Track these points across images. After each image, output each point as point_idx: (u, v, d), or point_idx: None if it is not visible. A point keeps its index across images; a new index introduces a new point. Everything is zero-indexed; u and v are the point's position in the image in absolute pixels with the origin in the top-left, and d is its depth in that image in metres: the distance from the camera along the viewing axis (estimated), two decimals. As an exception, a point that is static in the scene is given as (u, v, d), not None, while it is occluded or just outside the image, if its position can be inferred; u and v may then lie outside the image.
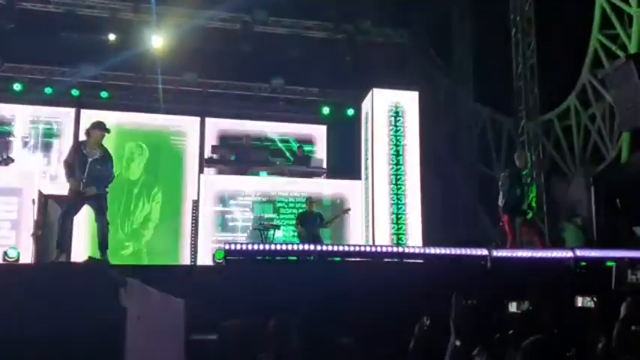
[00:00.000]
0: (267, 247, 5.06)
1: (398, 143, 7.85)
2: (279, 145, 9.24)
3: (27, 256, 5.83)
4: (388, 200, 7.65)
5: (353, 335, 3.91)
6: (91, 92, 8.87)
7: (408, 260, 5.08)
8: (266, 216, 8.11)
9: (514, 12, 9.33)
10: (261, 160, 8.68)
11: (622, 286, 4.27)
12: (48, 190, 6.69)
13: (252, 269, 4.61)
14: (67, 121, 8.63)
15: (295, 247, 5.28)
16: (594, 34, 8.44)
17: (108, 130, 4.86)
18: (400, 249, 5.60)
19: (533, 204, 5.61)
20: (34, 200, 6.20)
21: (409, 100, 7.99)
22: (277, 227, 7.06)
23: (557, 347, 2.56)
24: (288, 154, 9.20)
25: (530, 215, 5.60)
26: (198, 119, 8.95)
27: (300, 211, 7.34)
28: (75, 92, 8.80)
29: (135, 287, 1.78)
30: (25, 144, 8.55)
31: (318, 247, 4.95)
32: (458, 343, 2.44)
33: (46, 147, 8.61)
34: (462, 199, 9.50)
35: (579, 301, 3.81)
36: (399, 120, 7.93)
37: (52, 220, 5.83)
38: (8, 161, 6.95)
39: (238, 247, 4.84)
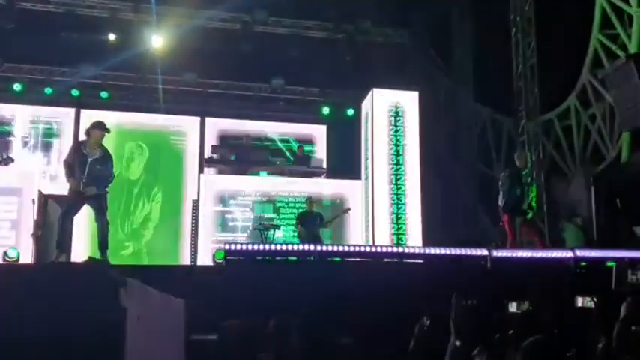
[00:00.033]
0: (267, 247, 5.06)
1: (398, 143, 7.85)
2: (279, 145, 9.24)
3: (27, 256, 5.83)
4: (388, 200, 7.65)
5: (353, 335, 3.91)
6: (91, 92, 8.87)
7: (408, 260, 5.08)
8: (266, 216, 8.11)
9: (514, 12, 9.33)
10: (261, 160, 8.67)
11: (622, 286, 4.27)
12: (48, 190, 6.69)
13: (252, 269, 4.61)
14: (67, 121, 8.63)
15: (295, 247, 5.28)
16: (594, 34, 8.44)
17: (108, 130, 4.86)
18: (400, 249, 5.60)
19: (533, 204, 5.60)
20: (33, 200, 6.20)
21: (409, 100, 7.99)
22: (277, 227, 7.06)
23: (557, 347, 2.56)
24: (288, 154, 9.20)
25: (530, 215, 5.60)
26: (198, 119, 8.95)
27: (300, 211, 7.34)
28: (75, 92, 8.79)
29: (135, 287, 1.78)
30: (25, 144, 8.55)
31: (318, 247, 4.95)
32: (458, 343, 2.44)
33: (46, 147, 8.60)
34: (462, 199, 9.50)
35: (579, 301, 3.81)
36: (399, 120, 7.93)
37: (52, 220, 5.83)
38: (8, 161, 6.95)
39: (238, 247, 4.84)
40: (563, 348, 2.60)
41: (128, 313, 1.60)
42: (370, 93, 8.10)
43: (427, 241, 7.35)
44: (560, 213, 8.34)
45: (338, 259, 4.88)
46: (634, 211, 6.54)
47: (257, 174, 8.56)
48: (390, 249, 5.64)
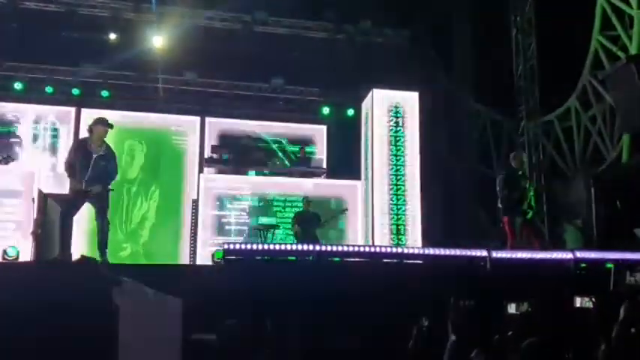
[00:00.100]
0: (266, 246, 5.05)
1: (398, 143, 7.85)
2: (279, 145, 9.24)
3: (27, 255, 5.83)
4: (388, 200, 7.65)
5: (352, 335, 3.91)
6: (91, 91, 8.86)
7: (408, 261, 5.08)
8: (265, 216, 8.11)
9: (514, 12, 9.32)
10: (261, 159, 8.68)
11: (620, 287, 4.26)
12: (49, 189, 6.69)
13: (251, 269, 4.60)
14: (68, 120, 8.64)
15: (294, 247, 5.27)
16: (595, 35, 8.43)
17: (111, 126, 4.85)
18: (399, 249, 5.60)
19: (533, 203, 5.58)
20: (33, 199, 6.21)
21: (409, 100, 7.99)
22: (277, 227, 7.05)
23: (556, 349, 2.56)
24: (287, 153, 9.20)
25: (530, 215, 5.58)
26: (198, 119, 8.95)
27: (295, 210, 7.33)
28: (75, 91, 8.78)
29: (129, 286, 1.78)
30: (26, 143, 8.55)
31: (318, 248, 4.95)
32: (453, 337, 2.44)
33: (46, 146, 8.61)
34: (461, 199, 9.49)
35: (578, 302, 3.80)
36: (399, 120, 7.93)
37: (52, 218, 5.84)
38: (8, 160, 6.95)
39: (237, 246, 4.84)
40: (562, 349, 2.60)
41: (121, 312, 1.60)
42: (370, 93, 8.09)
43: (426, 241, 7.34)
44: (560, 214, 8.33)
45: (337, 259, 4.88)
46: (634, 212, 6.52)
47: (257, 174, 8.56)
48: (389, 249, 5.63)
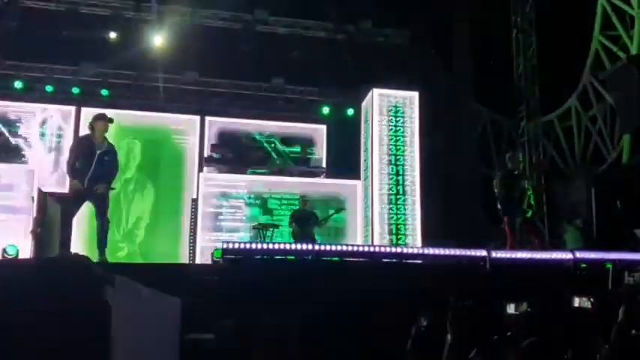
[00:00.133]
0: (265, 246, 5.05)
1: (398, 143, 7.85)
2: (279, 144, 9.24)
3: (26, 254, 5.83)
4: (387, 200, 7.64)
5: (351, 335, 3.90)
6: (91, 90, 8.85)
7: (407, 261, 5.07)
8: (264, 215, 8.11)
9: (515, 12, 9.31)
10: (261, 159, 8.67)
11: (619, 287, 4.25)
12: (49, 189, 6.69)
13: (250, 268, 4.59)
14: (68, 119, 8.64)
15: (293, 246, 5.27)
16: (595, 35, 8.43)
17: (111, 120, 4.87)
18: (399, 249, 5.60)
19: (532, 202, 5.57)
20: (33, 198, 6.21)
21: (409, 100, 7.99)
22: (276, 226, 7.05)
23: (555, 349, 2.55)
24: (287, 153, 9.20)
25: (529, 214, 5.57)
26: (198, 118, 8.95)
27: (295, 209, 7.33)
28: (76, 90, 8.78)
29: (124, 285, 1.77)
30: (27, 142, 8.55)
31: (317, 247, 4.94)
32: (452, 337, 2.43)
33: (47, 145, 8.61)
34: (462, 199, 9.47)
35: (576, 302, 3.80)
36: (399, 120, 7.92)
37: (52, 217, 5.84)
38: (8, 159, 6.95)
39: (236, 246, 4.83)
40: (561, 350, 2.59)
41: (114, 311, 1.59)
42: (370, 93, 8.09)
43: (426, 241, 7.32)
44: (560, 214, 8.32)
45: (336, 259, 4.87)
46: (635, 213, 6.51)
47: (256, 173, 8.56)
48: (388, 249, 5.63)
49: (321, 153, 9.26)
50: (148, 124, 8.81)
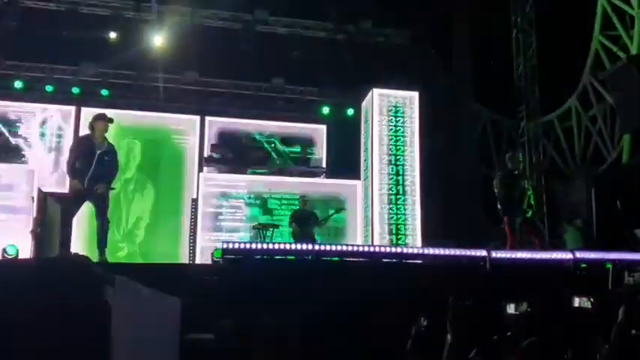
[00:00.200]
0: (265, 246, 5.05)
1: (398, 143, 7.85)
2: (279, 144, 9.24)
3: (26, 254, 5.82)
4: (387, 200, 7.64)
5: (351, 335, 3.90)
6: (91, 90, 8.86)
7: (407, 261, 5.07)
8: (264, 215, 8.11)
9: (515, 12, 9.31)
10: (261, 159, 8.67)
11: (619, 287, 4.25)
12: (50, 189, 6.69)
13: (250, 268, 4.59)
14: (68, 119, 8.64)
15: (293, 246, 5.27)
16: (595, 35, 8.43)
17: (111, 120, 4.88)
18: (399, 249, 5.60)
19: (532, 202, 5.57)
20: (33, 198, 6.21)
21: (409, 100, 7.99)
22: (276, 226, 7.05)
23: (555, 349, 2.55)
24: (287, 153, 9.20)
25: (529, 214, 5.57)
26: (198, 118, 8.95)
27: (295, 209, 7.33)
28: (76, 90, 8.79)
29: (124, 285, 1.77)
30: (27, 142, 8.56)
31: (317, 247, 4.94)
32: (452, 337, 2.43)
33: (46, 145, 8.61)
34: (462, 199, 9.47)
35: (576, 302, 3.80)
36: (399, 120, 7.92)
37: (52, 217, 5.84)
38: (8, 159, 6.95)
39: (236, 246, 4.83)
40: (561, 350, 2.59)
41: (114, 311, 1.58)
42: (370, 93, 8.09)
43: (426, 241, 7.32)
44: (560, 214, 8.32)
45: (336, 259, 4.87)
46: (635, 213, 6.51)
47: (256, 173, 8.56)
48: (388, 249, 5.63)
49: (321, 153, 9.26)
50: (148, 124, 8.81)
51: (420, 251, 5.33)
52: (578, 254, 4.90)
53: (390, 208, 7.61)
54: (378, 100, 7.96)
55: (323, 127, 9.40)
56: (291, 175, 8.63)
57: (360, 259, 4.93)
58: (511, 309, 3.73)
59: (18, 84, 8.62)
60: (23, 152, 8.45)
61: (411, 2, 8.51)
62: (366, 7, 8.77)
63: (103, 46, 8.57)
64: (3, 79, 8.66)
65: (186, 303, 3.06)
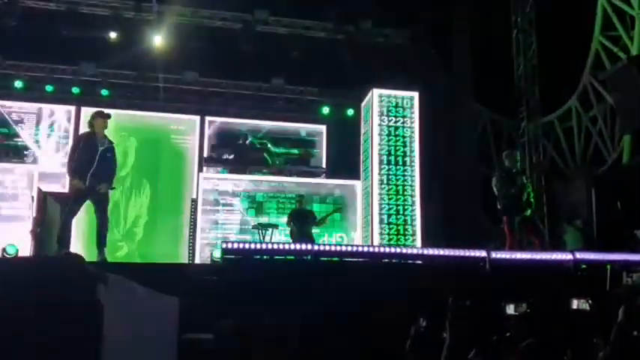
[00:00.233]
0: (264, 246, 5.05)
1: (398, 143, 7.85)
2: (278, 144, 9.24)
3: (26, 254, 5.81)
4: (387, 200, 7.64)
5: (350, 335, 3.90)
6: (91, 90, 8.86)
7: (407, 261, 5.07)
8: (264, 215, 8.11)
9: (515, 12, 9.31)
10: (260, 159, 8.67)
11: (618, 288, 4.24)
12: (50, 188, 6.69)
13: (250, 268, 4.59)
14: (69, 118, 8.65)
15: (293, 246, 5.27)
16: (596, 35, 8.43)
17: (109, 116, 4.92)
18: (399, 249, 5.59)
19: (532, 199, 5.55)
20: (33, 197, 6.21)
21: (409, 100, 7.98)
22: (275, 227, 7.04)
23: (554, 350, 2.55)
24: (287, 153, 9.20)
25: (529, 212, 5.55)
26: (198, 118, 8.95)
27: (293, 207, 7.33)
28: (75, 90, 8.79)
29: (118, 283, 1.76)
30: (26, 142, 8.56)
31: (316, 247, 4.94)
32: (451, 338, 2.42)
33: (47, 145, 8.61)
34: (462, 199, 9.47)
35: (574, 304, 3.79)
36: (399, 120, 7.92)
37: (52, 217, 5.83)
38: (8, 159, 6.95)
39: (236, 245, 4.83)
40: (560, 351, 2.59)
41: (106, 309, 1.58)
42: (370, 93, 8.09)
43: (426, 241, 7.32)
44: (560, 214, 8.31)
45: (336, 259, 4.87)
46: (635, 213, 6.51)
47: (256, 173, 8.56)
48: (388, 249, 5.62)
49: (321, 153, 9.26)
50: (147, 124, 8.81)
51: (420, 251, 5.33)
52: (578, 255, 4.89)
53: (390, 208, 7.61)
54: (378, 100, 7.95)
55: (323, 127, 9.40)
56: (290, 175, 8.63)
57: (360, 259, 4.93)
58: (510, 309, 3.72)
59: (18, 84, 8.62)
60: (24, 152, 8.46)
61: (411, 2, 8.51)
62: (366, 7, 8.77)
63: (103, 46, 8.57)
64: (3, 79, 8.66)
65: (185, 303, 3.05)
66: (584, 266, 4.83)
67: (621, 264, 4.64)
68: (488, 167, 9.83)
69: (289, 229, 6.76)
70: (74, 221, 4.99)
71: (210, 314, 3.61)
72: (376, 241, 7.42)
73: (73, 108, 8.64)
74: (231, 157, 8.60)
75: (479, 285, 4.47)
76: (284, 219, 7.18)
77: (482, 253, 4.78)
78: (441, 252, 4.90)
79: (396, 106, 7.94)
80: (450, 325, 2.58)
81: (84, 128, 5.48)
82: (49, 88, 8.77)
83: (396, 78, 8.13)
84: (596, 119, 8.90)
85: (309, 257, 4.71)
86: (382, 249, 5.62)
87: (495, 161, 9.89)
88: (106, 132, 4.93)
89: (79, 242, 7.06)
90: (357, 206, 8.35)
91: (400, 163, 7.76)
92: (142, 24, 8.59)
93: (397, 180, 7.71)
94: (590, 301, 3.70)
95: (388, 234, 7.51)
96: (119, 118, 8.28)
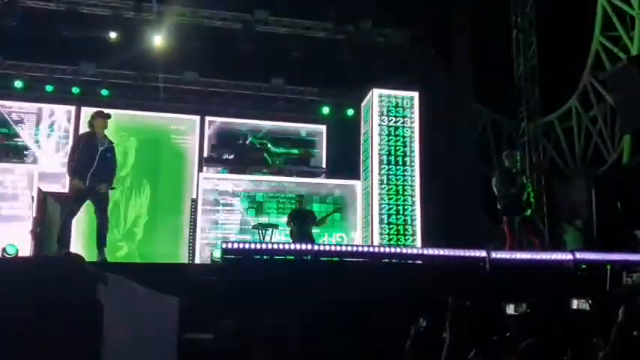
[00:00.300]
0: (264, 246, 5.05)
1: (398, 143, 7.85)
2: (278, 144, 9.24)
3: (26, 254, 5.81)
4: (387, 200, 7.64)
5: (350, 335, 3.90)
6: (91, 90, 8.86)
7: (407, 261, 5.07)
8: (264, 215, 8.11)
9: (515, 12, 9.31)
10: (260, 159, 8.67)
11: (618, 288, 4.24)
12: (50, 188, 6.69)
13: (250, 268, 4.59)
14: (69, 118, 8.65)
15: (293, 246, 5.27)
16: (596, 35, 8.43)
17: (109, 116, 4.92)
18: (399, 249, 5.59)
19: (532, 199, 5.54)
20: (33, 197, 6.21)
21: (409, 100, 7.99)
22: (275, 227, 7.05)
23: (554, 350, 2.55)
24: (286, 153, 9.20)
25: (529, 212, 5.55)
26: (198, 118, 8.95)
27: (293, 207, 7.33)
28: (75, 90, 8.79)
29: (118, 283, 1.76)
30: (26, 142, 8.56)
31: (316, 247, 4.94)
32: (451, 338, 2.42)
33: (47, 145, 8.61)
34: (462, 199, 9.47)
35: (574, 304, 3.79)
36: (399, 120, 7.92)
37: (52, 217, 5.83)
38: (9, 159, 6.95)
39: (236, 246, 4.83)
40: (560, 351, 2.59)
41: (106, 309, 1.58)
42: (370, 93, 8.09)
43: (426, 241, 7.32)
44: (560, 214, 8.31)
45: (336, 259, 4.87)
46: (635, 213, 6.51)
47: (256, 173, 8.56)
48: (388, 249, 5.62)
49: (321, 153, 9.26)
50: (148, 124, 8.81)
51: (420, 251, 5.33)
52: (578, 255, 4.89)
53: (390, 208, 7.61)
54: (378, 100, 7.96)
55: (323, 127, 9.40)
56: (290, 175, 8.63)
57: (360, 259, 4.93)
58: (510, 309, 3.72)
59: (18, 84, 8.62)
60: (24, 152, 8.46)
61: (411, 2, 8.51)
62: (366, 7, 8.77)
63: (103, 46, 8.57)
64: (3, 79, 8.66)
65: (185, 303, 3.05)
66: (584, 266, 4.83)
67: (621, 264, 4.64)
68: (488, 167, 9.83)
69: (289, 229, 6.76)
70: (74, 221, 4.99)
71: (210, 314, 3.61)
72: (376, 241, 7.42)
73: (73, 108, 8.64)
74: (231, 157, 8.60)
75: (479, 285, 4.47)
76: (284, 219, 7.19)
77: (482, 253, 4.78)
78: (441, 252, 4.90)
79: (396, 106, 7.94)
80: (449, 325, 2.58)
81: (84, 128, 5.48)
82: (49, 88, 8.77)
83: (396, 78, 8.14)
84: (596, 119, 8.90)
85: (309, 257, 4.72)
86: (382, 249, 5.62)
87: (495, 161, 9.89)
88: (106, 132, 4.93)
89: (79, 242, 7.06)
90: (357, 206, 8.35)
91: (400, 163, 7.76)
92: (142, 24, 8.59)
93: (397, 180, 7.70)
94: (590, 301, 3.70)
95: (388, 234, 7.51)
96: (119, 118, 8.28)
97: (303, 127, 9.38)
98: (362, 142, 8.43)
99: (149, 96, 9.02)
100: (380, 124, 7.87)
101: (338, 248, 5.04)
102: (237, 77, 9.15)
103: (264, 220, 7.82)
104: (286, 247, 5.10)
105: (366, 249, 5.36)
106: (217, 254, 4.61)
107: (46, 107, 8.69)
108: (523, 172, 6.56)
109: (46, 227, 5.81)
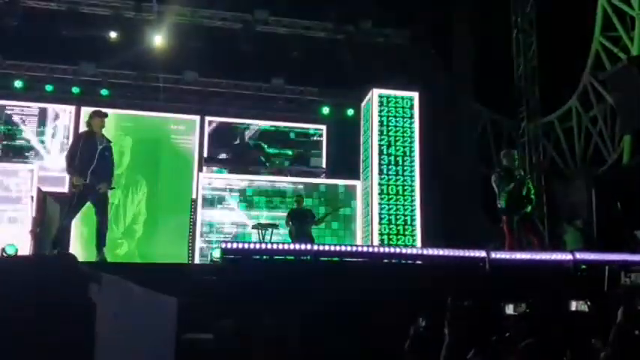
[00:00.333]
0: (264, 246, 5.04)
1: (398, 143, 7.85)
2: (278, 144, 9.24)
3: (25, 253, 5.82)
4: (387, 200, 7.64)
5: (351, 335, 3.90)
6: (91, 90, 8.87)
7: (407, 261, 5.06)
8: (264, 215, 8.11)
9: (515, 12, 9.31)
10: (260, 159, 8.67)
11: (617, 288, 4.24)
12: (50, 188, 6.70)
13: (250, 268, 4.59)
14: (69, 118, 8.65)
15: (293, 246, 5.26)
16: (596, 35, 8.43)
17: (106, 115, 4.93)
18: (398, 249, 5.59)
19: (532, 195, 5.53)
20: (32, 197, 6.21)
21: (409, 100, 7.99)
22: (275, 226, 7.05)
23: (553, 350, 2.55)
24: (286, 153, 9.20)
25: (529, 208, 5.53)
26: (198, 118, 8.95)
27: (292, 207, 7.33)
28: (75, 90, 8.80)
29: (112, 283, 1.75)
30: (27, 142, 8.56)
31: (316, 247, 4.94)
32: (450, 338, 2.42)
33: (47, 145, 8.62)
34: (462, 199, 9.47)
35: (573, 305, 3.79)
36: (399, 120, 7.92)
37: (51, 217, 5.84)
38: (9, 158, 6.95)
39: (236, 245, 4.83)
40: (559, 351, 2.59)
41: (99, 309, 1.57)
42: (370, 93, 8.09)
43: (426, 241, 7.32)
44: (560, 214, 8.31)
45: (336, 259, 4.87)
46: (635, 214, 6.50)
47: (256, 173, 8.56)
48: (388, 249, 5.62)
49: (321, 153, 9.26)
50: (148, 124, 8.82)
51: (420, 251, 5.32)
52: (578, 255, 4.88)
53: (390, 208, 7.61)
54: (378, 100, 7.96)
55: (323, 127, 9.40)
56: (290, 175, 8.63)
57: (360, 259, 4.92)
58: (510, 310, 3.72)
59: (18, 84, 8.63)
60: (24, 152, 8.46)
61: (411, 2, 8.51)
62: (366, 7, 8.77)
63: (103, 46, 8.58)
64: (3, 78, 8.67)
65: (185, 303, 3.05)
66: (584, 266, 4.82)
67: (619, 264, 4.64)
68: (488, 167, 9.82)
69: (288, 228, 6.76)
70: (74, 221, 4.99)
71: (210, 314, 3.61)
72: (376, 241, 7.42)
73: (73, 108, 8.64)
74: (231, 156, 8.60)
75: (478, 285, 4.46)
76: (284, 219, 7.19)
77: (482, 253, 4.78)
78: (441, 252, 4.89)
79: (396, 106, 7.94)
80: (449, 325, 2.59)
81: (84, 128, 5.47)
82: (49, 88, 8.77)
83: (396, 78, 8.14)
84: (596, 119, 8.90)
85: (308, 257, 4.71)
86: (382, 249, 5.62)
87: (495, 161, 9.89)
88: (104, 131, 4.94)
89: (79, 242, 7.07)
90: (357, 206, 8.35)
91: (400, 163, 7.76)
92: (142, 24, 8.60)
93: (397, 180, 7.71)
94: (588, 303, 3.70)
95: (388, 234, 7.51)
96: (119, 118, 8.30)
97: (303, 127, 9.38)
98: (362, 142, 8.43)
99: (149, 96, 9.03)
100: (380, 124, 7.87)
101: (338, 248, 5.03)
102: (237, 77, 9.16)
103: (264, 219, 7.83)
104: (286, 247, 5.09)
105: (365, 249, 5.35)
106: (217, 254, 4.60)
107: (47, 107, 8.71)
108: (522, 169, 6.55)
109: (45, 227, 5.81)
